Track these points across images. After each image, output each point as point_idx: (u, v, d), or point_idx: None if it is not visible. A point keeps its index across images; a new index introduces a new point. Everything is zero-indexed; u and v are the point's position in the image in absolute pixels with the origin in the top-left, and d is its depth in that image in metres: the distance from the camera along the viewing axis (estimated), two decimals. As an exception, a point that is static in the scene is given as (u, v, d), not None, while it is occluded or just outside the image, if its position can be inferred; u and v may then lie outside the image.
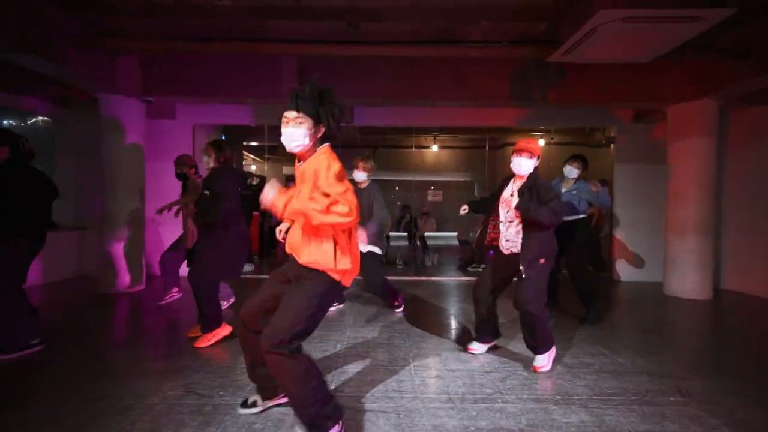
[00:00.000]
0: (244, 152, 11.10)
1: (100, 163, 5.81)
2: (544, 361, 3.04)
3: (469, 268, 8.09)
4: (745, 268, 6.06)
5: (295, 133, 1.98)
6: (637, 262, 7.05)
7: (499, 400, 2.56)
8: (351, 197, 1.89)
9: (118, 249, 5.74)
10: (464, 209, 3.65)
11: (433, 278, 7.07)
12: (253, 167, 12.52)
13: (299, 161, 2.10)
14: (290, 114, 2.00)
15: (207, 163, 3.65)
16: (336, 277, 2.01)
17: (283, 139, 2.01)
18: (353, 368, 3.06)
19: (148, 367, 3.09)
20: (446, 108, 6.98)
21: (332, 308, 4.68)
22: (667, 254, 5.99)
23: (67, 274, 6.76)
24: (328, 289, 2.02)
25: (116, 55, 5.42)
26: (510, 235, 3.09)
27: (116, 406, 2.46)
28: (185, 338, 3.69)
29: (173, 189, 6.87)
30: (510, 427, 2.24)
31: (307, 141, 2.01)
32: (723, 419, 2.36)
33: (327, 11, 4.45)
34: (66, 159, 7.13)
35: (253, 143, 11.03)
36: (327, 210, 1.82)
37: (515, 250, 3.05)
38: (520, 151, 3.09)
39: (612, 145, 7.52)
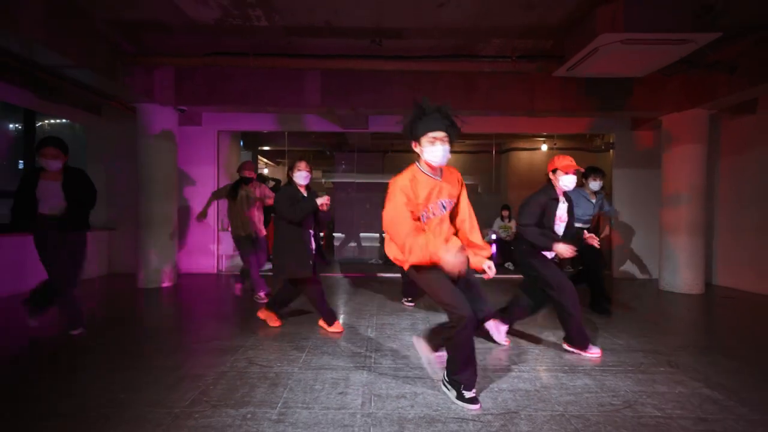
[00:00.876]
0: (259, 156, 11.60)
1: (137, 166, 6.26)
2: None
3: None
4: (735, 265, 6.52)
5: (446, 150, 2.38)
6: (634, 259, 7.51)
7: (516, 370, 3.02)
8: None
9: (153, 247, 6.19)
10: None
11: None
12: (266, 170, 13.01)
13: (433, 175, 2.47)
14: (440, 134, 2.35)
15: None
16: None
17: (436, 155, 2.36)
18: (387, 347, 3.51)
19: (207, 346, 3.54)
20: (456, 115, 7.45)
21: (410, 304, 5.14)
22: (662, 252, 6.46)
23: (99, 271, 7.21)
24: None
25: (154, 69, 5.90)
26: None
27: (190, 374, 2.92)
28: (232, 324, 4.14)
29: (201, 190, 7.40)
30: (526, 388, 2.70)
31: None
32: (703, 383, 2.82)
33: (355, 31, 4.92)
34: (96, 163, 7.58)
35: (266, 148, 11.56)
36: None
37: None
38: (572, 169, 3.28)
39: (611, 151, 8.00)
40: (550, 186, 3.42)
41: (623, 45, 4.06)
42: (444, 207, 2.51)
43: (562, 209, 3.43)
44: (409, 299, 5.12)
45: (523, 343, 3.66)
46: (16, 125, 6.98)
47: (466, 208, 2.65)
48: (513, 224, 8.82)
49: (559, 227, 3.45)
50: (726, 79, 5.41)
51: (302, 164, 3.95)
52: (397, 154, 10.47)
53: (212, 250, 7.61)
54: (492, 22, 4.69)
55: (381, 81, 6.15)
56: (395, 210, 2.36)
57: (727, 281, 6.66)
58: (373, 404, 2.47)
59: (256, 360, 3.18)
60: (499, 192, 10.17)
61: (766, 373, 3.05)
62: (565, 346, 3.45)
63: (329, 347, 3.48)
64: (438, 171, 2.49)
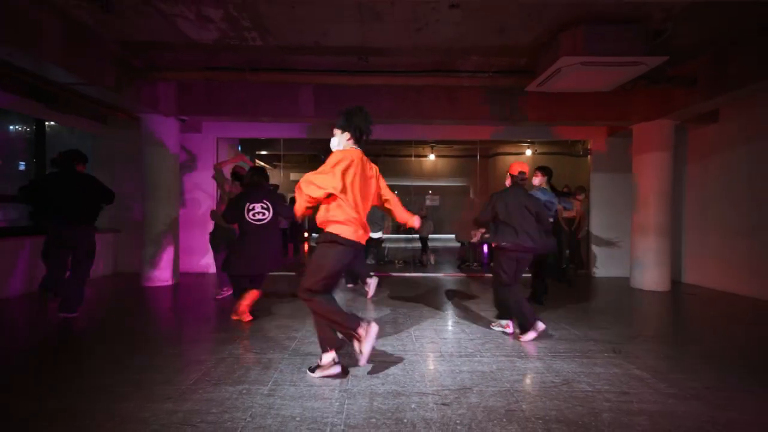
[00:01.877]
0: (256, 160, 12.06)
1: (142, 172, 6.70)
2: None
3: (461, 266, 9.01)
4: (701, 263, 6.99)
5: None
6: (610, 259, 7.97)
7: (478, 356, 3.47)
8: None
9: (157, 247, 6.63)
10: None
11: (431, 275, 7.99)
12: (263, 174, 13.45)
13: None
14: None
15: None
16: None
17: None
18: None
19: (208, 337, 3.99)
20: (436, 125, 7.90)
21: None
22: (632, 252, 6.92)
23: (105, 270, 7.63)
24: None
25: (158, 83, 6.33)
26: None
27: (194, 359, 3.36)
28: (230, 318, 4.58)
29: (199, 194, 7.84)
30: (484, 370, 3.15)
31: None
32: (636, 365, 3.27)
33: (342, 49, 5.36)
34: (101, 169, 8.01)
35: (263, 152, 12.06)
36: None
37: None
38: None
39: (588, 156, 8.46)
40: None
41: (583, 66, 4.52)
42: None
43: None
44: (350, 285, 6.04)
45: (489, 333, 4.11)
46: (20, 128, 7.39)
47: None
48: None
49: None
50: (685, 92, 5.86)
51: None
52: (389, 158, 10.92)
53: (211, 250, 8.03)
54: (467, 43, 5.13)
55: (369, 93, 6.60)
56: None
57: (693, 279, 7.12)
58: (350, 382, 2.91)
59: (252, 348, 3.62)
60: (486, 194, 10.62)
61: (697, 358, 3.51)
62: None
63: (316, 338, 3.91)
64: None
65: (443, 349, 3.63)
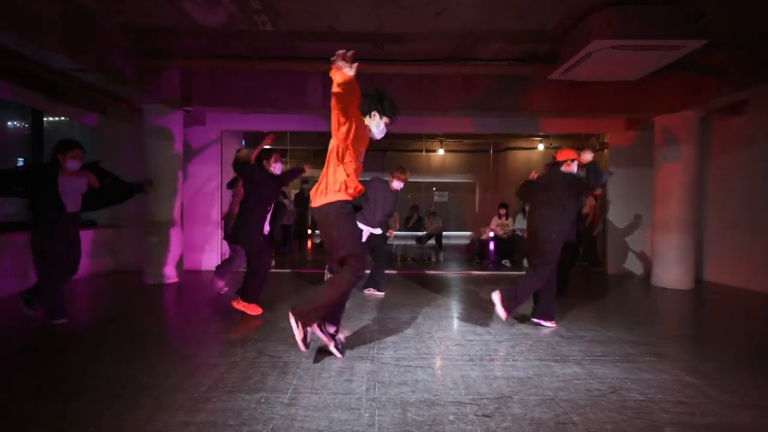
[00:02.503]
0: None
1: (143, 165, 6.42)
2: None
3: (473, 264, 8.77)
4: (724, 262, 6.73)
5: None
6: (628, 256, 7.71)
7: (511, 359, 3.22)
8: None
9: (159, 244, 6.36)
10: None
11: (442, 273, 7.74)
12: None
13: None
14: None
15: None
16: None
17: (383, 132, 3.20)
18: (389, 340, 3.70)
19: (217, 338, 3.73)
20: (450, 117, 7.62)
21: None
22: (653, 249, 6.66)
23: (106, 267, 7.37)
24: None
25: (161, 71, 6.06)
26: None
27: (205, 363, 3.10)
28: (238, 318, 4.32)
29: (203, 189, 7.58)
30: (519, 376, 2.89)
31: None
32: (684, 370, 3.02)
33: (356, 35, 5.09)
34: (102, 163, 7.72)
35: (266, 147, 11.76)
36: None
37: None
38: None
39: (606, 150, 8.20)
40: None
41: (615, 51, 4.24)
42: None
43: None
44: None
45: (517, 334, 3.85)
46: (20, 123, 7.11)
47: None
48: (510, 222, 9.02)
49: None
50: (715, 82, 5.59)
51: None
52: (397, 153, 10.64)
53: (215, 247, 7.78)
54: (489, 27, 4.86)
55: (382, 82, 6.30)
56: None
57: (716, 277, 6.87)
58: (377, 390, 2.66)
59: (266, 351, 3.37)
60: (497, 190, 10.36)
61: (740, 359, 3.28)
62: None
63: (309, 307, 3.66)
64: None
65: (471, 353, 3.37)
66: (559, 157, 4.11)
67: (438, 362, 3.16)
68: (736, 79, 5.32)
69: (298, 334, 2.96)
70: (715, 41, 4.81)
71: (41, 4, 3.95)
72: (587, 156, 4.03)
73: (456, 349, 3.46)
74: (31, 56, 4.46)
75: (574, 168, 4.06)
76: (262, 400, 2.51)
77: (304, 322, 2.97)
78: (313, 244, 12.15)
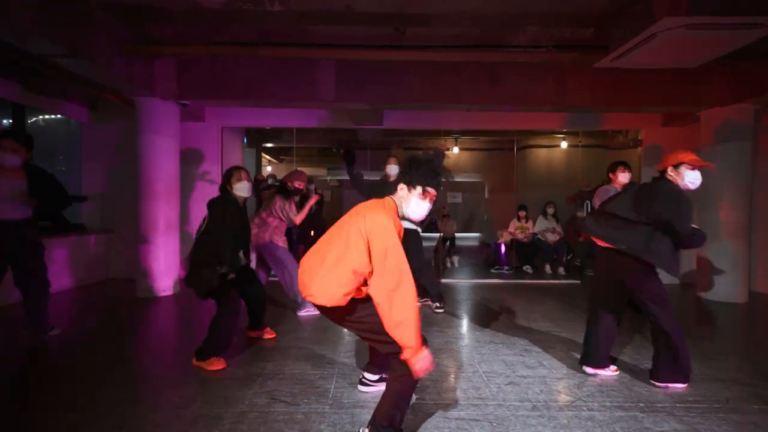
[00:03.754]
0: (263, 154, 11.15)
1: (138, 165, 5.78)
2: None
3: (492, 270, 8.15)
4: (777, 271, 6.11)
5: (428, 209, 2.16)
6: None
7: (584, 408, 2.58)
8: None
9: (155, 252, 5.73)
10: None
11: (462, 281, 7.11)
12: (269, 168, 12.55)
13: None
14: (435, 192, 2.12)
15: None
16: None
17: (422, 212, 2.12)
18: (425, 378, 3.06)
19: (218, 374, 3.09)
20: (472, 111, 6.97)
21: None
22: (700, 258, 6.03)
23: (98, 277, 6.74)
24: None
25: (154, 59, 5.42)
26: None
27: (204, 414, 2.47)
28: (243, 343, 3.69)
29: (202, 191, 6.95)
30: (607, 435, 2.27)
31: None
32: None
33: (376, 17, 4.45)
34: (92, 161, 7.12)
35: (269, 144, 11.10)
36: None
37: None
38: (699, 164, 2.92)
39: (639, 148, 7.56)
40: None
41: (686, 30, 3.61)
42: None
43: None
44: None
45: (574, 364, 3.22)
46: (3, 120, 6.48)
47: None
48: (530, 225, 8.39)
49: None
50: (778, 71, 4.96)
51: (243, 174, 3.38)
52: (408, 151, 10.00)
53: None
54: (527, 8, 4.22)
55: (399, 73, 5.68)
56: (402, 257, 1.94)
57: (766, 288, 6.23)
58: (429, 461, 2.03)
59: (278, 395, 2.73)
60: (516, 191, 9.72)
61: None
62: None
63: (360, 365, 3.03)
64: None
65: (531, 396, 2.74)
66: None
67: (494, 411, 2.53)
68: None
69: None
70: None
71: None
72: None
73: (510, 390, 2.82)
74: (4, 38, 3.82)
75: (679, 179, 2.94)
76: (280, 480, 1.88)
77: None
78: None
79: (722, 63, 5.03)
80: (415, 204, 2.10)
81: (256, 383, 2.91)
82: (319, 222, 10.35)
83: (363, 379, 2.76)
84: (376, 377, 2.77)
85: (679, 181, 2.89)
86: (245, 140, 9.10)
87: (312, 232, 12.43)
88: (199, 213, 6.93)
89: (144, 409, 2.54)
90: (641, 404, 2.64)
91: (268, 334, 3.87)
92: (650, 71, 5.43)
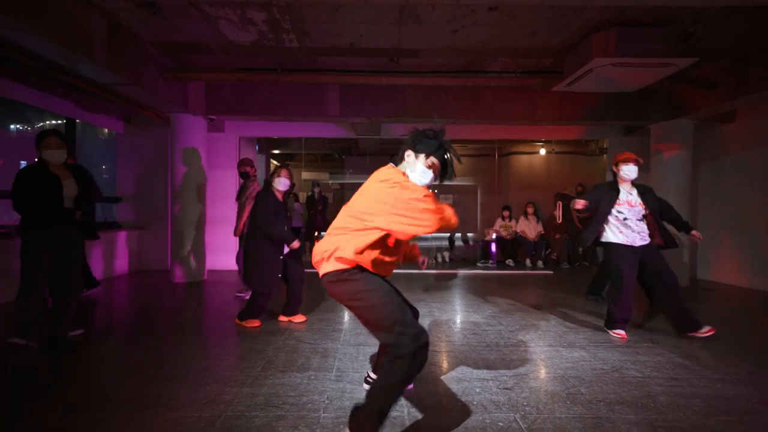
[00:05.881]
0: (271, 159, 12.20)
1: (170, 171, 6.82)
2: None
3: (478, 263, 9.17)
4: (716, 260, 7.16)
5: (432, 180, 2.21)
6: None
7: (524, 346, 3.63)
8: None
9: (187, 245, 6.76)
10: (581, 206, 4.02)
11: (447, 271, 8.15)
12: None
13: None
14: (438, 164, 2.18)
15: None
16: None
17: (426, 180, 2.15)
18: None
19: (257, 329, 4.11)
20: (458, 125, 8.04)
21: None
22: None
23: (130, 268, 7.75)
24: None
25: (188, 83, 6.47)
26: (642, 229, 3.97)
27: (254, 348, 3.50)
28: (270, 313, 4.71)
29: (221, 192, 7.98)
30: (532, 359, 3.30)
31: None
32: (677, 354, 3.43)
33: (375, 51, 5.50)
34: (126, 167, 8.14)
35: (276, 151, 12.17)
36: None
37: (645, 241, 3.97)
38: (631, 161, 3.93)
39: (605, 155, 8.63)
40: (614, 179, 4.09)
41: (614, 67, 4.67)
42: None
43: (624, 195, 3.96)
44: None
45: (526, 325, 4.26)
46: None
47: None
48: (513, 223, 9.43)
49: (627, 211, 3.92)
50: (705, 93, 6.02)
51: (284, 171, 4.18)
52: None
53: (235, 248, 8.16)
54: (499, 44, 5.28)
55: (396, 93, 6.75)
56: (415, 195, 2.00)
57: (708, 275, 7.29)
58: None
59: (303, 339, 3.77)
60: (500, 193, 10.77)
61: (735, 348, 3.66)
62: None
63: (362, 329, 4.06)
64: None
65: (488, 340, 3.78)
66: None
67: (459, 348, 3.56)
68: (726, 91, 5.74)
69: None
70: (704, 58, 5.26)
71: (91, 21, 4.33)
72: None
73: (473, 338, 3.86)
74: (78, 70, 4.84)
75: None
76: (312, 377, 2.91)
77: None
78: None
79: (663, 86, 6.07)
80: (421, 171, 2.13)
81: (286, 332, 3.94)
82: (323, 222, 11.39)
83: (368, 378, 2.72)
84: None
85: (620, 175, 4.00)
86: (257, 147, 10.16)
87: (316, 233, 13.50)
88: (219, 211, 7.95)
89: (210, 348, 3.57)
90: (565, 344, 3.68)
91: (298, 319, 4.39)
92: (606, 93, 6.50)
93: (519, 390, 2.71)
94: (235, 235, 5.43)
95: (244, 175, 5.63)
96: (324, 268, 2.12)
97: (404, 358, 1.93)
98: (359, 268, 2.10)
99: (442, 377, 2.92)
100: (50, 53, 4.17)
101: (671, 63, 4.61)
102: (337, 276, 2.09)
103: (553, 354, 3.41)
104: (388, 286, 2.17)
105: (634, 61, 4.57)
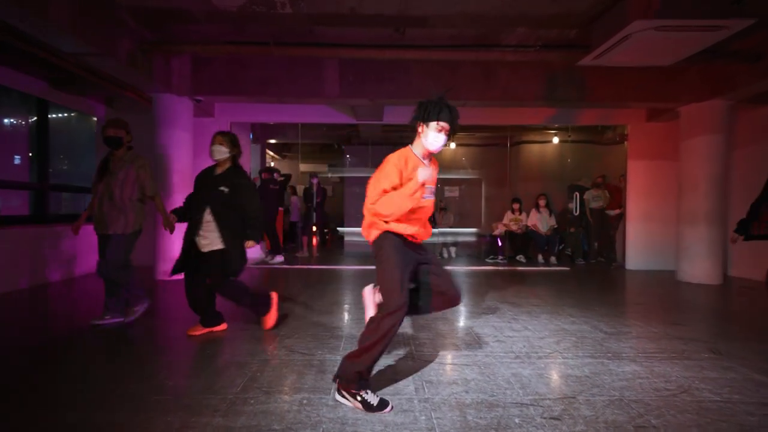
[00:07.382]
0: (267, 149, 11.54)
1: (153, 158, 6.17)
2: None
3: (487, 259, 8.57)
4: (750, 256, 6.54)
5: (444, 141, 2.38)
6: (649, 251, 7.52)
7: (560, 357, 3.01)
8: None
9: (172, 239, 6.12)
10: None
11: (456, 268, 7.53)
12: (272, 164, 12.95)
13: (423, 160, 2.43)
14: (447, 126, 2.34)
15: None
16: None
17: (438, 143, 2.34)
18: (423, 336, 3.49)
19: (242, 334, 3.50)
20: (470, 107, 7.40)
21: None
22: (679, 243, 6.46)
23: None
24: None
25: (171, 57, 5.82)
26: None
27: (235, 361, 2.88)
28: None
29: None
30: (576, 374, 2.69)
31: None
32: (752, 369, 2.81)
33: (378, 18, 4.87)
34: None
35: (273, 141, 11.48)
36: None
37: None
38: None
39: (625, 143, 8.00)
40: None
41: (656, 32, 4.04)
42: (432, 193, 2.53)
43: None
44: None
45: (559, 330, 3.64)
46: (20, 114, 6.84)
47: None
48: (524, 217, 8.81)
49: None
50: (747, 69, 5.39)
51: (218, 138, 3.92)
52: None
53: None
54: (518, 10, 4.65)
55: (400, 71, 6.10)
56: (383, 174, 2.34)
57: (741, 272, 6.68)
58: (427, 390, 2.44)
59: (296, 348, 3.15)
60: (508, 186, 10.16)
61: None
62: None
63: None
64: (428, 157, 2.48)
65: (515, 349, 3.17)
66: None
67: (483, 360, 2.95)
68: (770, 65, 5.12)
69: (356, 405, 2.24)
70: (758, 22, 4.61)
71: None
72: None
73: (498, 346, 3.24)
74: (39, 36, 4.20)
75: None
76: (305, 401, 2.29)
77: (357, 386, 2.25)
78: (319, 241, 11.89)
79: (697, 62, 5.45)
80: (433, 137, 2.33)
81: (276, 340, 3.33)
82: (321, 215, 10.76)
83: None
84: None
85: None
86: (251, 136, 9.52)
87: (314, 227, 12.84)
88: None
89: (180, 361, 2.95)
90: (609, 354, 3.07)
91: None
92: (632, 70, 5.86)
93: (571, 421, 2.10)
94: None
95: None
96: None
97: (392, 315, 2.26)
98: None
99: (470, 401, 2.31)
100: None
101: (724, 25, 3.98)
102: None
103: (599, 368, 2.80)
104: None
105: (680, 24, 3.94)
